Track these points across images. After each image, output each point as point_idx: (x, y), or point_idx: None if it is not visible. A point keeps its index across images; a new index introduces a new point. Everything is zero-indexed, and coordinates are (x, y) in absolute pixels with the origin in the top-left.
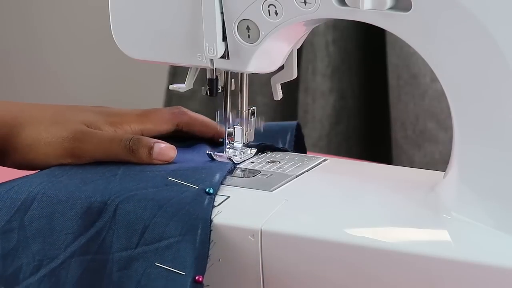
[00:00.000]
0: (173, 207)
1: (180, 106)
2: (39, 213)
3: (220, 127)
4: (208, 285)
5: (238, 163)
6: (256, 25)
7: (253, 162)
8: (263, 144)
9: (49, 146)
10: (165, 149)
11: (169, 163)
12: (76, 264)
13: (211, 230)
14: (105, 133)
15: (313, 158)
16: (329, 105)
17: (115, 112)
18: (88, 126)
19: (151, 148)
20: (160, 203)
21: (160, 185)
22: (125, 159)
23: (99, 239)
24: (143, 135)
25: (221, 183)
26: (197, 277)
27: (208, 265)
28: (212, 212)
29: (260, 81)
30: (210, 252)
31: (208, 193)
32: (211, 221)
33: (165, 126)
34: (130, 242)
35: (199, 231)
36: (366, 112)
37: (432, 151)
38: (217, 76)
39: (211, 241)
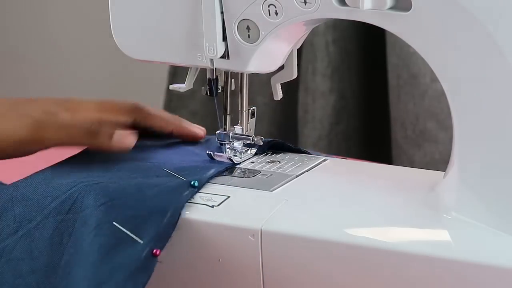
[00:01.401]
0: (153, 192)
1: (137, 102)
2: (26, 184)
3: (180, 122)
4: (160, 262)
5: (238, 163)
6: (256, 25)
7: (253, 162)
8: (273, 142)
9: (12, 135)
10: (125, 135)
11: (170, 158)
12: (49, 225)
13: (179, 216)
14: (66, 118)
15: (313, 158)
16: (329, 105)
17: (72, 100)
18: (46, 114)
19: (112, 133)
20: (142, 188)
21: (151, 175)
22: (86, 143)
23: (71, 200)
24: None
25: (212, 178)
26: (154, 250)
27: (206, 264)
28: (186, 202)
29: (260, 81)
30: (206, 250)
31: (193, 186)
32: (182, 208)
33: (123, 117)
34: (97, 202)
35: (168, 214)
36: (366, 112)
37: (432, 151)
38: (217, 76)
39: (177, 224)
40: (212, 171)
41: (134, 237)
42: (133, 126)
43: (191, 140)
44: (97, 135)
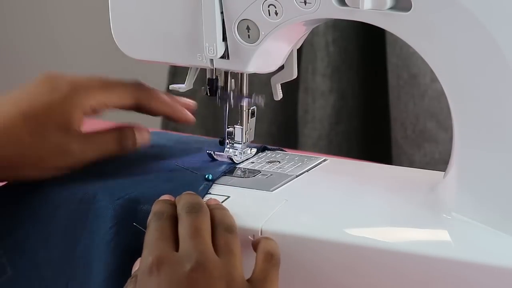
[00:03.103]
0: (168, 187)
1: (138, 81)
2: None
3: (176, 107)
4: None
5: (238, 163)
6: (256, 25)
7: (253, 162)
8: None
9: (43, 163)
10: (142, 131)
11: (179, 156)
12: (60, 213)
13: None
14: (95, 136)
15: (313, 158)
16: (329, 105)
17: (76, 87)
18: (66, 127)
19: (134, 136)
20: (157, 183)
21: (164, 170)
22: (113, 153)
23: (83, 190)
24: (107, 107)
25: (224, 174)
26: None
27: None
28: (205, 197)
29: (260, 81)
30: None
31: (207, 180)
32: None
33: (128, 101)
34: (113, 196)
35: None
36: (366, 112)
37: (432, 151)
38: (217, 76)
39: None
40: (224, 167)
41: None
42: (134, 107)
43: (184, 122)
44: (123, 143)
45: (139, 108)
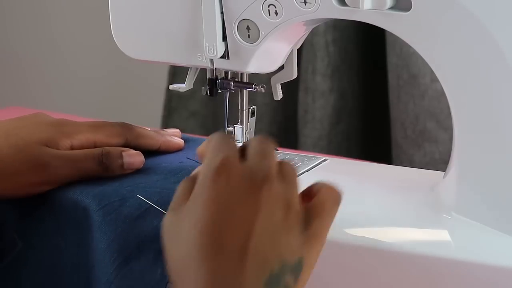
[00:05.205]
0: (177, 177)
1: (125, 122)
2: None
3: (164, 137)
4: None
5: None
6: (256, 25)
7: None
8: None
9: (17, 176)
10: (134, 157)
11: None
12: (66, 194)
13: None
14: (74, 153)
15: (313, 158)
16: (329, 105)
17: (66, 122)
18: (47, 145)
19: (122, 159)
20: (166, 175)
21: (175, 162)
22: (98, 174)
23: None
24: (95, 147)
25: None
26: None
27: None
28: None
29: (260, 81)
30: None
31: None
32: None
33: (116, 140)
34: (123, 184)
35: None
36: (366, 112)
37: (432, 151)
38: (217, 76)
39: None
40: None
41: (159, 208)
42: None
43: (176, 151)
44: (110, 166)
45: (128, 146)
